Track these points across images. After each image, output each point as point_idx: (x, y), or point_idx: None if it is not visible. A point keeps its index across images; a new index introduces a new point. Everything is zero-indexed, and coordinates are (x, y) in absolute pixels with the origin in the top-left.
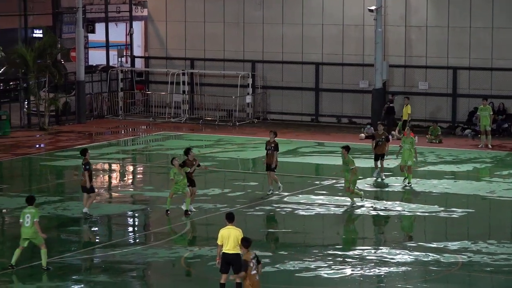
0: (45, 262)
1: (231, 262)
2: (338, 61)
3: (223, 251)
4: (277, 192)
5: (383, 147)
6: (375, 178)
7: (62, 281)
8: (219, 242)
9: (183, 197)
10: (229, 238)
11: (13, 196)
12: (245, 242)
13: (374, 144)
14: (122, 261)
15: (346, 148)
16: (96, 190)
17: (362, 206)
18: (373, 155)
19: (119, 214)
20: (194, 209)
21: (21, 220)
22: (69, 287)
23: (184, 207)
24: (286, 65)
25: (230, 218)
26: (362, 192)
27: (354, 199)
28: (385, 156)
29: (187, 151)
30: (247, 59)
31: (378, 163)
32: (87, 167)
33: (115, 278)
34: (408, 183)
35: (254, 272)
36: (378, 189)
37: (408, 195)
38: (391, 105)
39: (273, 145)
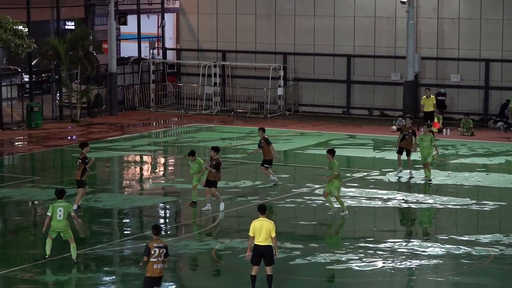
0: (75, 255)
1: (262, 254)
2: (370, 53)
3: (255, 243)
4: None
5: (409, 141)
6: (397, 178)
7: (94, 272)
8: (251, 234)
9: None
10: (261, 230)
11: (44, 187)
12: (154, 230)
13: (400, 137)
14: None
15: (331, 152)
16: (86, 186)
17: (394, 199)
18: (397, 149)
19: (150, 206)
20: (206, 208)
21: (49, 214)
22: (100, 278)
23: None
24: (318, 57)
25: (262, 210)
26: (334, 206)
27: (334, 205)
28: (411, 152)
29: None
30: (278, 51)
31: (402, 159)
32: (86, 160)
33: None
34: (429, 181)
35: (153, 260)
36: (410, 181)
37: (439, 188)
38: (442, 98)
39: (214, 162)
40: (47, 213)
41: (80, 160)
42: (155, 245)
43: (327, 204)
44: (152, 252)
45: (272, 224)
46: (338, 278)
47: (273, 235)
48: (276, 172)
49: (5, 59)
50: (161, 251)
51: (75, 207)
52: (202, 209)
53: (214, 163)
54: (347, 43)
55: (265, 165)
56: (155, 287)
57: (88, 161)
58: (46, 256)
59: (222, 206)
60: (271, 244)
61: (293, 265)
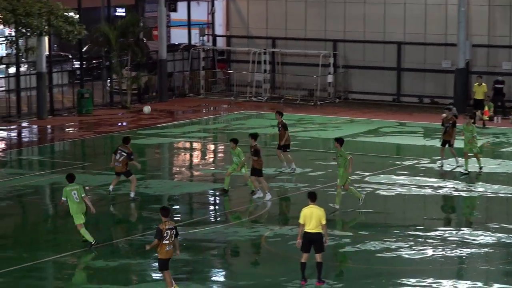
0: (91, 238)
1: (312, 241)
2: (420, 41)
3: (305, 230)
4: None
5: (451, 133)
6: (439, 167)
7: (144, 258)
8: (301, 221)
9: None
10: (312, 217)
11: (95, 173)
12: (163, 211)
13: (443, 130)
14: (203, 239)
15: (339, 141)
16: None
17: (445, 187)
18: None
19: (200, 192)
20: (257, 196)
21: (63, 198)
22: (150, 264)
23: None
24: (368, 44)
25: (312, 197)
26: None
27: (361, 194)
28: (451, 142)
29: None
30: (328, 38)
31: (445, 151)
32: (132, 156)
33: (196, 256)
34: (479, 169)
35: (166, 242)
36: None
37: (490, 176)
38: (499, 86)
39: (252, 150)
40: (62, 198)
41: (125, 155)
42: (166, 227)
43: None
44: (165, 235)
45: (322, 212)
46: (387, 266)
47: (323, 222)
48: (326, 159)
49: (56, 45)
50: (172, 232)
51: (132, 194)
52: (254, 196)
53: (253, 150)
54: (398, 30)
55: (286, 150)
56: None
57: (133, 158)
58: (93, 243)
59: (268, 196)
60: (321, 231)
61: (342, 253)
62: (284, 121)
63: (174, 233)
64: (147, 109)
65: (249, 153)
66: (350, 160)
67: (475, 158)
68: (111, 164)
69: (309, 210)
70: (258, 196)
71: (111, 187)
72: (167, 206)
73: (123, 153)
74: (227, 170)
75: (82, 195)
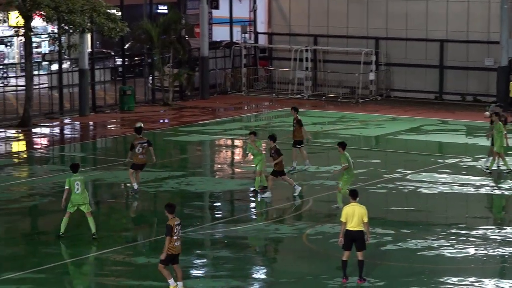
0: (94, 228)
1: (354, 239)
2: (463, 38)
3: (347, 228)
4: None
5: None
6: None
7: (185, 255)
8: (343, 219)
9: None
10: (353, 215)
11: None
12: (169, 208)
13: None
14: (244, 236)
15: (341, 145)
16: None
17: (487, 185)
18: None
19: (241, 190)
20: (265, 195)
21: (67, 187)
22: (192, 261)
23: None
24: (410, 42)
25: (354, 195)
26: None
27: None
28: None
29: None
30: (370, 36)
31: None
32: (151, 142)
33: (237, 254)
34: (506, 170)
35: (175, 237)
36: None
37: None
38: None
39: (272, 151)
40: (65, 187)
41: (146, 144)
42: (175, 223)
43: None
44: (175, 231)
45: (364, 209)
46: (429, 264)
47: (365, 220)
48: (368, 157)
49: (98, 42)
50: (179, 228)
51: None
52: (261, 196)
53: (272, 151)
54: (440, 28)
55: (297, 146)
56: (174, 264)
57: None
58: (60, 234)
59: (298, 189)
60: (363, 229)
61: (384, 251)
62: (299, 117)
63: (180, 228)
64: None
65: (273, 155)
66: (343, 167)
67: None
68: (130, 159)
69: (351, 208)
70: (267, 196)
71: (135, 185)
72: (172, 203)
73: (143, 144)
74: (256, 170)
75: (84, 187)
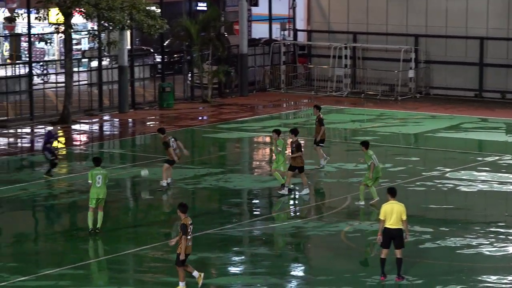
0: (100, 224)
1: (393, 237)
2: (503, 36)
3: (386, 226)
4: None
5: None
6: None
7: (223, 252)
8: (381, 217)
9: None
10: (392, 213)
11: (175, 167)
12: (182, 208)
13: None
14: (282, 233)
15: (364, 144)
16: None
17: None
18: None
19: (279, 187)
20: (282, 191)
21: (89, 181)
22: (230, 258)
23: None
24: (450, 39)
25: (392, 193)
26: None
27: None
28: None
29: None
30: (410, 33)
31: None
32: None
33: (275, 251)
34: None
35: (189, 237)
36: None
37: None
38: None
39: (294, 145)
40: (88, 181)
41: (175, 140)
42: (189, 222)
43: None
44: (189, 230)
45: (403, 207)
46: (468, 263)
47: (404, 218)
48: (407, 155)
49: (138, 39)
50: (192, 228)
51: (164, 183)
52: (279, 191)
53: (294, 145)
54: (480, 25)
55: (319, 144)
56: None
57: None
58: (90, 230)
59: (306, 191)
60: (401, 227)
61: (422, 249)
62: (321, 115)
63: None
64: (144, 173)
65: (293, 150)
66: (371, 166)
67: None
68: (171, 156)
69: (389, 206)
70: (283, 192)
71: (165, 182)
72: (185, 203)
73: (174, 140)
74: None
75: (106, 182)
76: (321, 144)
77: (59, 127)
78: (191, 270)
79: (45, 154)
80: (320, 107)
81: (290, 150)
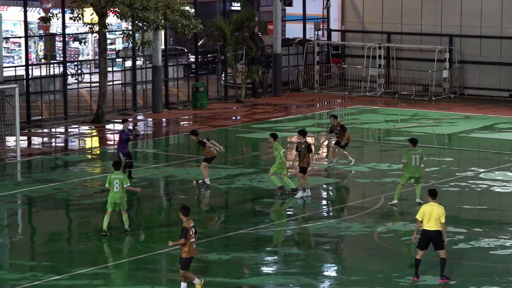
0: (127, 224)
1: (431, 239)
2: None
3: (424, 227)
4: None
5: None
6: None
7: (256, 252)
8: (419, 218)
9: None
10: (431, 215)
11: (209, 167)
12: (185, 211)
13: None
14: (315, 234)
15: (412, 142)
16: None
17: None
18: None
19: (312, 187)
20: (297, 195)
21: (107, 185)
22: (262, 258)
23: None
24: (484, 39)
25: (433, 195)
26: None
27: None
28: None
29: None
30: (444, 33)
31: None
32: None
33: (308, 251)
34: None
35: (192, 240)
36: None
37: None
38: None
39: (303, 146)
40: (106, 185)
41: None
42: (191, 225)
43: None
44: (191, 233)
45: (442, 210)
46: (502, 264)
47: (443, 221)
48: (440, 155)
49: (172, 39)
50: (195, 230)
51: (207, 181)
52: (296, 196)
53: (303, 147)
54: None
55: (340, 146)
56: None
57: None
58: (103, 232)
59: (299, 194)
60: (440, 229)
61: (456, 250)
62: (341, 122)
63: (195, 230)
64: (139, 128)
65: (302, 150)
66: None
67: None
68: (210, 154)
69: (429, 208)
70: (300, 195)
71: (208, 180)
72: (187, 206)
73: (208, 140)
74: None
75: (125, 185)
76: (343, 147)
77: (130, 121)
78: (191, 276)
79: (119, 155)
80: (336, 116)
81: (296, 151)
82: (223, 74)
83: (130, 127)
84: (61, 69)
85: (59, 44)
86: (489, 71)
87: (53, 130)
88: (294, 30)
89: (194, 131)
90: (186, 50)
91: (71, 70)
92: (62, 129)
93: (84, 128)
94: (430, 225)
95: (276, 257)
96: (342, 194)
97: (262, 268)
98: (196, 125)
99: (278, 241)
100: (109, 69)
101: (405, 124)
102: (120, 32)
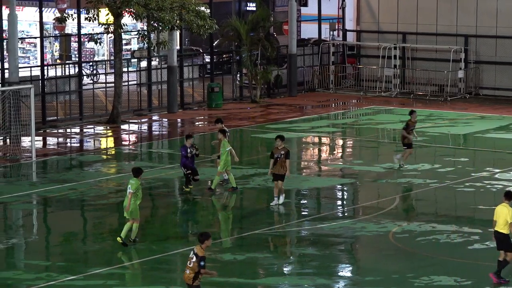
0: (134, 235)
1: (499, 240)
2: None
3: (495, 228)
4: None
5: None
6: None
7: (271, 252)
8: (494, 218)
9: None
10: (499, 216)
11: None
12: (201, 237)
13: None
14: (330, 234)
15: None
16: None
17: None
18: None
19: (328, 187)
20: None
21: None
22: (277, 258)
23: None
24: (500, 39)
25: (508, 197)
26: None
27: None
28: None
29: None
30: (460, 33)
31: None
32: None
33: (323, 251)
34: None
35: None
36: None
37: None
38: None
39: (282, 152)
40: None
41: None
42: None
43: None
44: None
45: (507, 210)
46: None
47: (510, 220)
48: (456, 155)
49: (187, 39)
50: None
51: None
52: (271, 204)
53: (282, 153)
54: None
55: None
56: None
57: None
58: (131, 239)
59: (276, 200)
60: (507, 232)
61: (471, 250)
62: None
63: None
64: None
65: (281, 157)
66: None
67: None
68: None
69: (499, 208)
70: (275, 203)
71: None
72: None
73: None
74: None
75: (129, 191)
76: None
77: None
78: None
79: (182, 169)
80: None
81: (275, 156)
82: (238, 75)
83: (192, 143)
84: (77, 69)
85: (74, 45)
86: (505, 71)
87: (68, 130)
88: (309, 30)
89: (220, 119)
90: (201, 50)
91: (86, 70)
92: (77, 130)
93: (100, 129)
94: (498, 227)
95: (291, 257)
96: (356, 194)
97: (276, 269)
98: (211, 125)
99: (293, 241)
100: (125, 69)
101: (420, 124)
102: (136, 33)
